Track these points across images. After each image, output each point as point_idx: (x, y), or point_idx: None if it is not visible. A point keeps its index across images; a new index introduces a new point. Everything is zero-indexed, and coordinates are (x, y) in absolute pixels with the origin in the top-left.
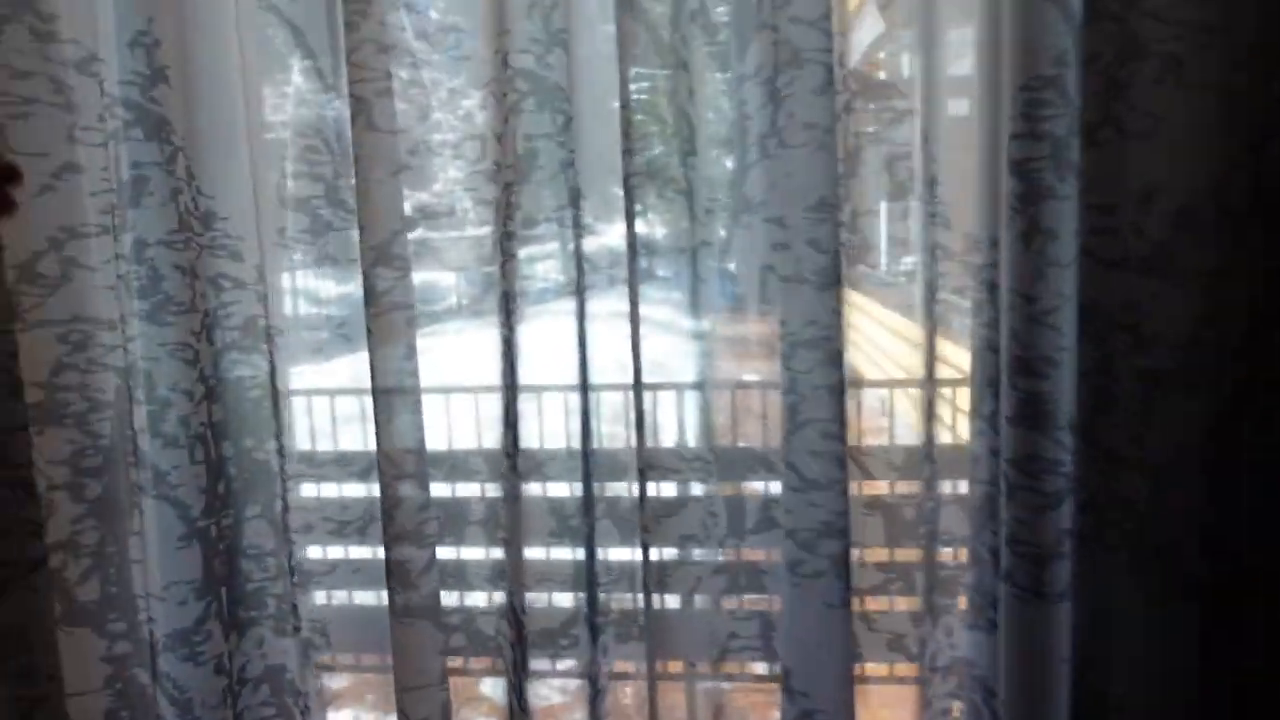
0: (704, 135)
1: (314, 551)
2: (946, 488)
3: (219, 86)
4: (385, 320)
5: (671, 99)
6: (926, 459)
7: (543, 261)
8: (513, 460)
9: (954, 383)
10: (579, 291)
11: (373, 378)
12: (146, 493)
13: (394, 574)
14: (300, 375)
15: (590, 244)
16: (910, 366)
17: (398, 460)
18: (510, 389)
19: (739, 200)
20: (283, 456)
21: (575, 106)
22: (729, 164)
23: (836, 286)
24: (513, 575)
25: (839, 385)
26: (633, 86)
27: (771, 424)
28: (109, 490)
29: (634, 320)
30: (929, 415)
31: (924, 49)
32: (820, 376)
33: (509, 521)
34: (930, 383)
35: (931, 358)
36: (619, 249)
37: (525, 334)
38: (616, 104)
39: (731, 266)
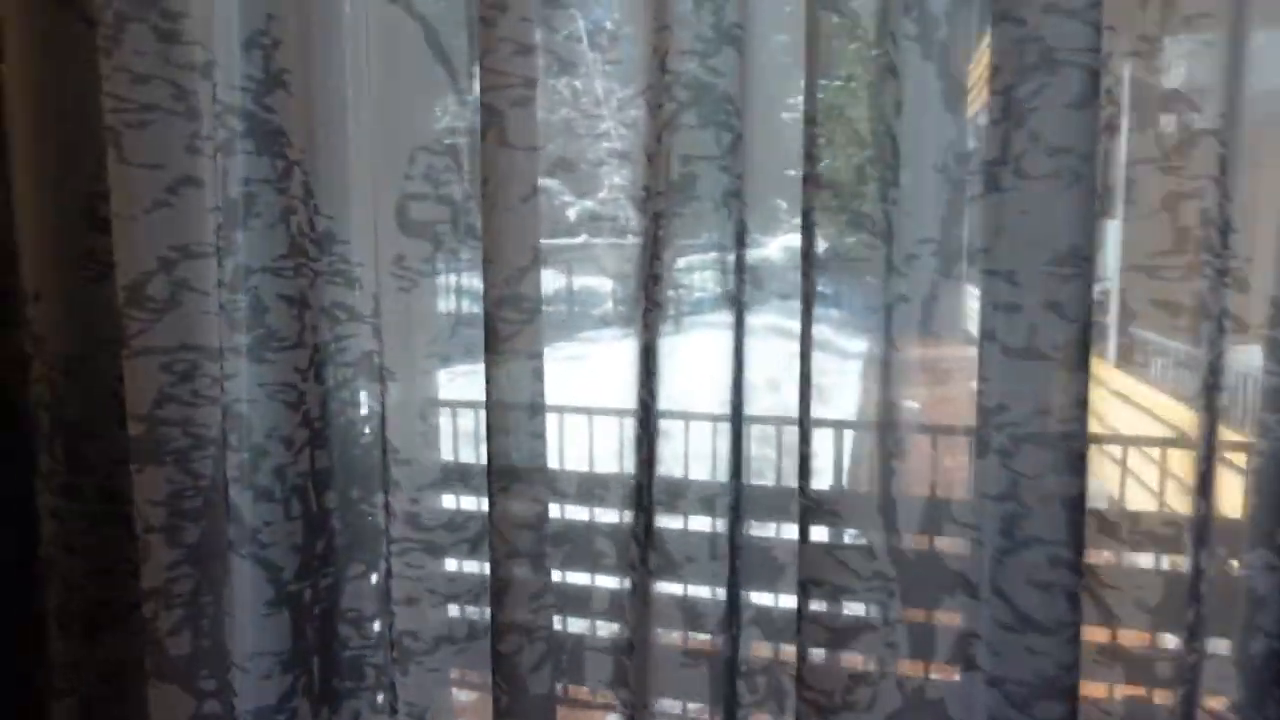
0: (911, 160)
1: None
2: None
3: (340, 93)
4: (507, 371)
5: (872, 113)
6: (1192, 598)
7: (700, 271)
8: (646, 489)
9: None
10: (737, 350)
11: (489, 437)
12: (235, 551)
13: (501, 668)
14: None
15: (754, 255)
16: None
17: (511, 536)
18: (647, 442)
19: (952, 246)
20: (389, 514)
21: (746, 122)
22: (942, 199)
23: (1084, 367)
24: (637, 611)
25: (1079, 499)
26: (822, 97)
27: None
28: (207, 536)
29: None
30: (1198, 538)
31: (1229, 46)
32: (1054, 485)
33: (639, 556)
34: (1204, 497)
35: (1209, 466)
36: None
37: (677, 352)
38: (795, 117)
39: (934, 328)
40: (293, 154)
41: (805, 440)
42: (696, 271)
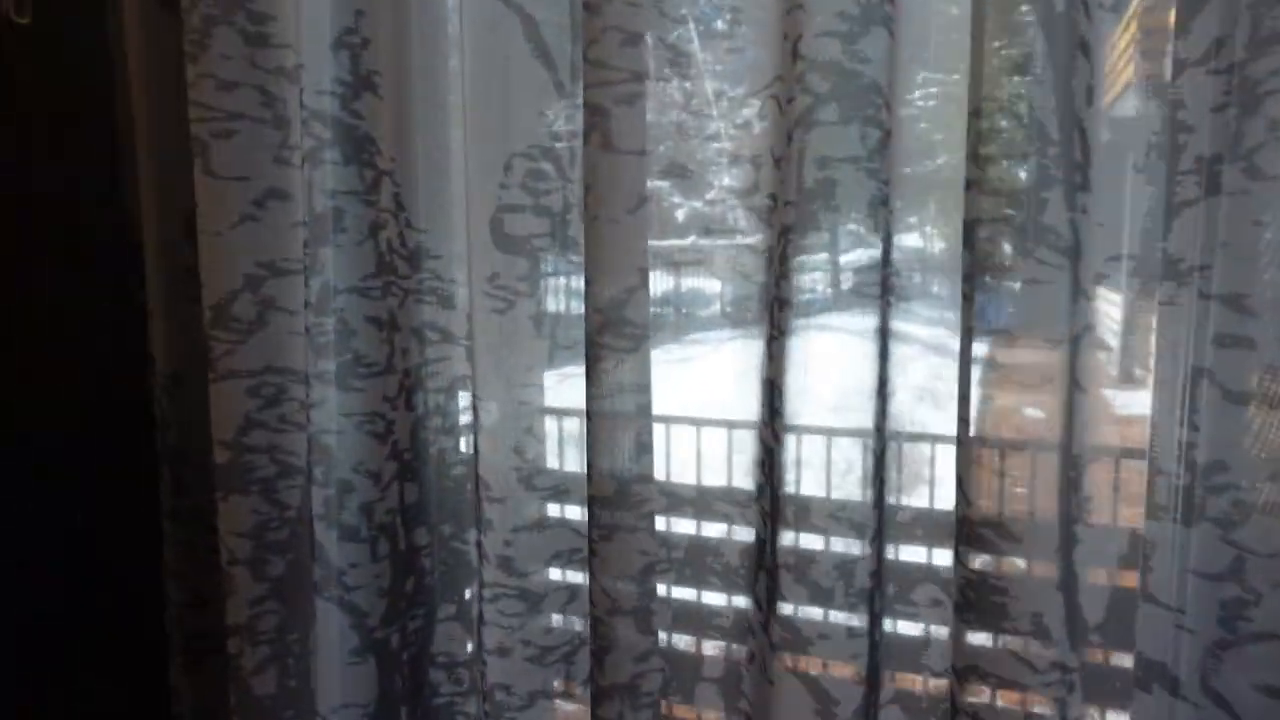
0: (1105, 158)
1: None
2: None
3: (435, 95)
4: (610, 405)
5: (1059, 102)
6: None
7: (811, 272)
8: (771, 504)
9: None
10: (882, 374)
11: (589, 479)
12: (320, 594)
13: None
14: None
15: (865, 256)
16: None
17: (613, 590)
18: (771, 459)
19: (1158, 262)
20: (482, 556)
21: (897, 116)
22: (1142, 205)
23: None
24: (762, 634)
25: None
26: (989, 85)
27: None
28: (293, 569)
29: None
30: None
31: None
32: None
33: (766, 580)
34: None
35: None
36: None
37: (800, 371)
38: (910, 113)
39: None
40: (382, 163)
41: (965, 467)
42: (808, 273)
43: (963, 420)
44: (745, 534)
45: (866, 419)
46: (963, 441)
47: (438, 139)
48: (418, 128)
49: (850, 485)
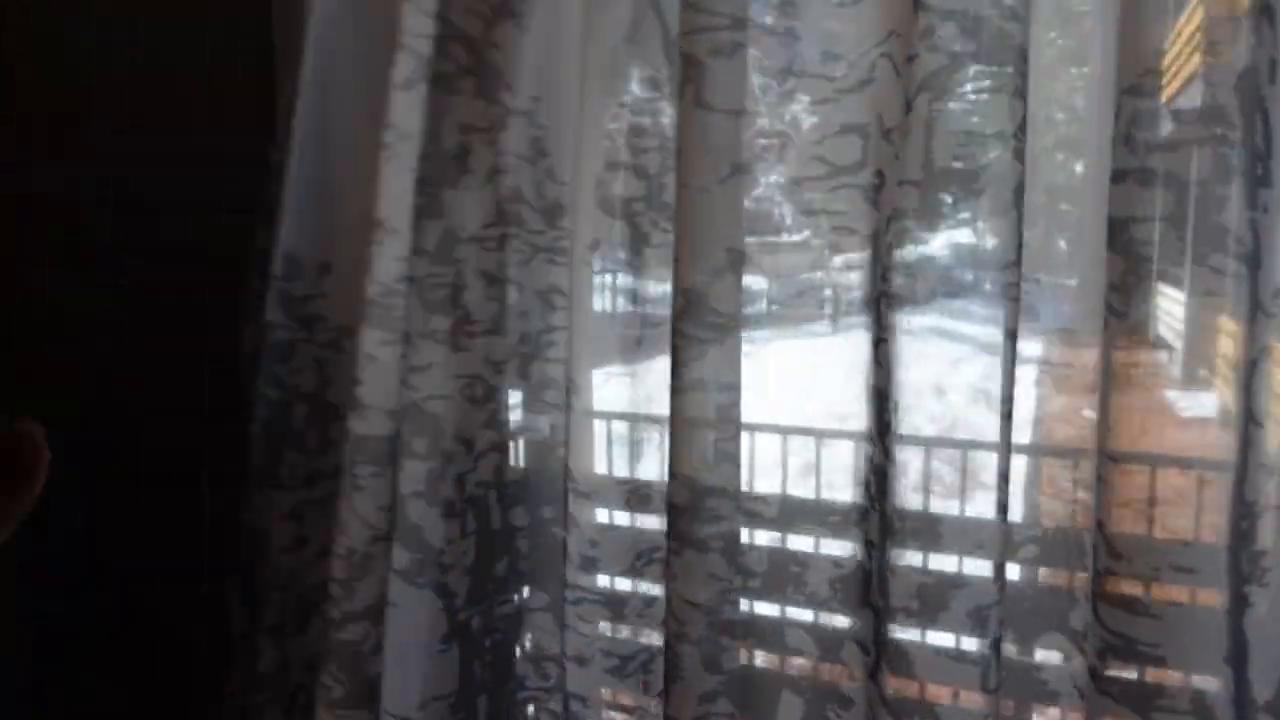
0: None
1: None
2: None
3: (562, 26)
4: (688, 402)
5: (1238, 79)
6: None
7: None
8: (880, 533)
9: None
10: (1006, 415)
11: (669, 487)
12: (406, 578)
13: None
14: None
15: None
16: None
17: (685, 616)
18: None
19: None
20: (566, 554)
21: (1037, 85)
22: None
23: None
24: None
25: None
26: (1146, 57)
27: None
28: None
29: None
30: None
31: None
32: None
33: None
34: None
35: None
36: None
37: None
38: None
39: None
40: (518, 102)
41: (1106, 511)
42: (922, 267)
43: (1103, 453)
44: (838, 560)
45: (990, 435)
46: (1104, 479)
47: (568, 78)
48: (555, 62)
49: (972, 511)
